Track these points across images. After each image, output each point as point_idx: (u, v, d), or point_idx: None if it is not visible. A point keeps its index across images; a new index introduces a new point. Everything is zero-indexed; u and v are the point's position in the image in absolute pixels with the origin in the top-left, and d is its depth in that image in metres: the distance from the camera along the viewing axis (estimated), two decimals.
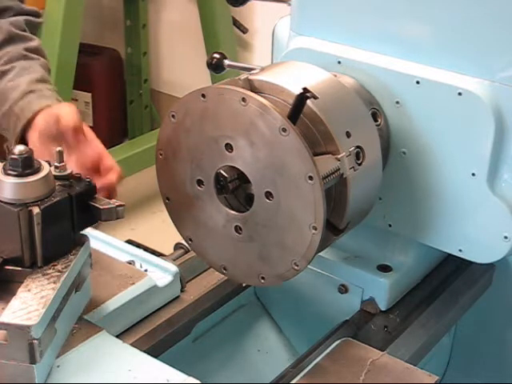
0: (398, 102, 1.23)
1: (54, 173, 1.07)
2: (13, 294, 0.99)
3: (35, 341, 0.93)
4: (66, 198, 1.05)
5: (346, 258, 1.37)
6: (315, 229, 1.04)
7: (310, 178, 1.02)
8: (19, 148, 1.03)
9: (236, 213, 1.13)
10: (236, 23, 3.65)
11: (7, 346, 0.94)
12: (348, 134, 1.10)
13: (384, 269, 1.35)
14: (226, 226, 1.14)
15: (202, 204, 1.15)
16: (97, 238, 1.32)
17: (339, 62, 1.27)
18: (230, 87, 1.07)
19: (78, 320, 1.10)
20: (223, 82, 1.11)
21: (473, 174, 1.19)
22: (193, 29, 3.74)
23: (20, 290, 0.99)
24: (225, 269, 1.18)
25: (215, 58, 1.45)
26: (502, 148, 1.18)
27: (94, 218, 1.09)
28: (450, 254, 1.31)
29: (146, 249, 1.49)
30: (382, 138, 1.22)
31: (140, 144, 3.55)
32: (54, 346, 1.00)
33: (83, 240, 1.10)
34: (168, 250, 1.49)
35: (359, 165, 1.11)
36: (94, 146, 1.48)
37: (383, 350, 1.21)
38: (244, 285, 1.43)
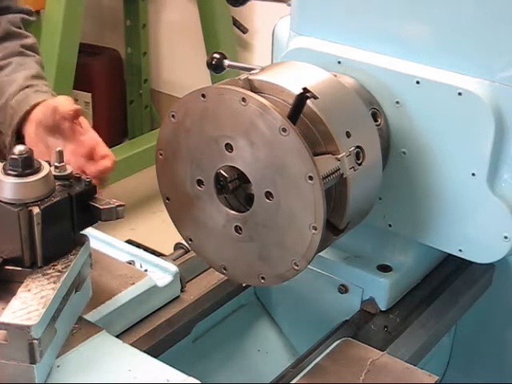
0: (398, 102, 1.23)
1: (54, 173, 1.07)
2: (13, 293, 0.99)
3: (35, 341, 0.93)
4: (65, 198, 1.05)
5: (346, 257, 1.37)
6: (315, 229, 1.04)
7: (310, 178, 1.02)
8: (19, 148, 1.03)
9: (236, 213, 1.13)
10: (236, 23, 3.64)
11: (7, 346, 0.94)
12: (348, 134, 1.10)
13: (384, 269, 1.35)
14: (226, 225, 1.14)
15: (201, 204, 1.15)
16: (97, 238, 1.32)
17: (339, 62, 1.27)
18: (229, 87, 1.07)
19: (78, 320, 1.10)
20: (223, 82, 1.11)
21: (473, 174, 1.19)
22: (193, 29, 3.74)
23: (20, 290, 0.99)
24: (225, 269, 1.18)
25: (215, 58, 1.45)
26: (502, 148, 1.18)
27: (94, 217, 1.09)
28: (449, 254, 1.31)
29: (146, 249, 1.49)
30: (382, 138, 1.22)
31: (140, 144, 3.54)
32: (53, 346, 1.00)
33: (83, 240, 1.10)
34: (168, 250, 1.49)
35: (359, 165, 1.11)
36: (89, 135, 1.48)
37: (383, 350, 1.21)
38: (244, 285, 1.43)
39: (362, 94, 1.23)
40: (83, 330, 1.08)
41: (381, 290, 1.34)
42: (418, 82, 1.20)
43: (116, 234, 1.45)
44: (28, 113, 1.49)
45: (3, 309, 0.96)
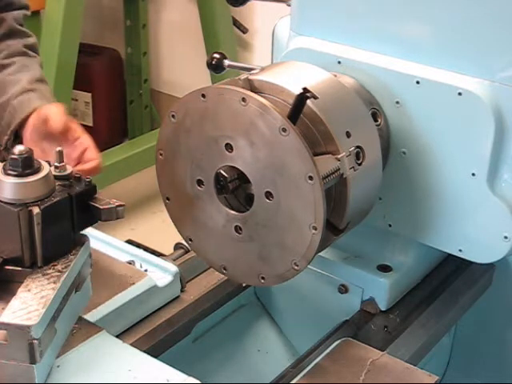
0: (398, 102, 1.23)
1: (54, 173, 1.07)
2: (13, 294, 0.99)
3: (35, 341, 0.93)
4: (65, 198, 1.05)
5: (346, 258, 1.37)
6: (315, 229, 1.04)
7: (310, 178, 1.02)
8: (19, 148, 1.03)
9: (236, 213, 1.13)
10: (236, 23, 3.64)
11: (7, 346, 0.94)
12: (348, 134, 1.10)
13: (384, 269, 1.35)
14: (226, 225, 1.14)
15: (202, 204, 1.15)
16: (97, 238, 1.32)
17: (339, 62, 1.27)
18: (229, 87, 1.07)
19: (78, 320, 1.10)
20: (223, 82, 1.11)
21: (473, 174, 1.19)
22: (193, 29, 3.74)
23: (20, 290, 0.99)
24: (225, 269, 1.18)
25: (215, 58, 1.45)
26: (502, 148, 1.18)
27: (94, 217, 1.08)
28: (449, 254, 1.31)
29: (146, 249, 1.49)
30: (382, 138, 1.22)
31: (140, 144, 3.54)
32: (53, 346, 1.00)
33: (83, 240, 1.09)
34: (168, 250, 1.49)
35: (359, 165, 1.11)
36: (81, 140, 1.51)
37: (383, 350, 1.21)
38: (244, 285, 1.43)
39: (362, 94, 1.23)
40: (83, 329, 1.08)
41: (381, 290, 1.34)
42: (418, 82, 1.20)
43: (116, 234, 1.46)
44: (27, 117, 1.52)
45: (3, 309, 0.96)
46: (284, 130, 1.02)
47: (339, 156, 1.07)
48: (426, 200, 1.26)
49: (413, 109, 1.22)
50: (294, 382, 1.15)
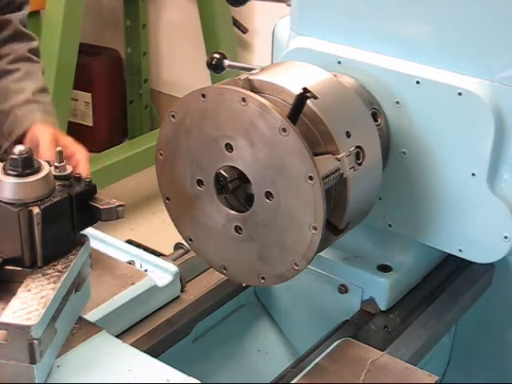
0: (398, 102, 1.23)
1: (54, 173, 1.07)
2: (13, 294, 0.99)
3: (35, 341, 0.93)
4: (65, 198, 1.05)
5: (346, 258, 1.37)
6: (315, 229, 1.04)
7: (310, 178, 1.02)
8: (19, 148, 1.03)
9: (236, 213, 1.13)
10: (236, 23, 3.64)
11: (7, 346, 0.94)
12: (348, 134, 1.10)
13: (384, 269, 1.35)
14: (226, 225, 1.14)
15: (201, 204, 1.15)
16: (97, 238, 1.32)
17: (339, 62, 1.27)
18: (229, 87, 1.07)
19: (78, 320, 1.10)
20: (223, 82, 1.11)
21: (473, 174, 1.19)
22: (193, 29, 3.74)
23: (20, 290, 0.99)
24: (225, 269, 1.18)
25: (215, 57, 1.45)
26: (502, 148, 1.18)
27: (94, 217, 1.09)
28: (449, 254, 1.31)
29: (146, 249, 1.49)
30: (382, 138, 1.22)
31: (140, 144, 3.54)
32: (53, 346, 1.00)
33: (83, 240, 1.09)
34: (168, 250, 1.49)
35: (359, 165, 1.11)
36: (76, 158, 1.55)
37: (383, 350, 1.21)
38: (244, 285, 1.43)
39: (362, 94, 1.23)
40: (83, 329, 1.08)
41: (381, 290, 1.34)
42: (418, 82, 1.20)
43: (116, 234, 1.45)
44: (29, 127, 1.56)
45: (3, 309, 0.96)
46: (284, 129, 1.02)
47: (339, 156, 1.07)
48: (426, 200, 1.26)
49: (413, 109, 1.22)
50: (294, 382, 1.15)
